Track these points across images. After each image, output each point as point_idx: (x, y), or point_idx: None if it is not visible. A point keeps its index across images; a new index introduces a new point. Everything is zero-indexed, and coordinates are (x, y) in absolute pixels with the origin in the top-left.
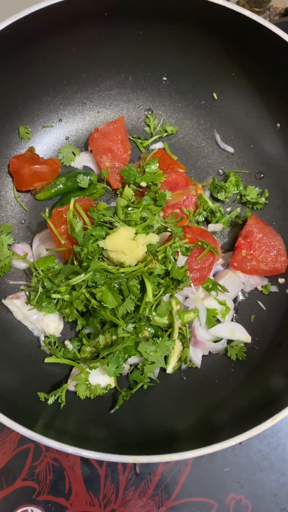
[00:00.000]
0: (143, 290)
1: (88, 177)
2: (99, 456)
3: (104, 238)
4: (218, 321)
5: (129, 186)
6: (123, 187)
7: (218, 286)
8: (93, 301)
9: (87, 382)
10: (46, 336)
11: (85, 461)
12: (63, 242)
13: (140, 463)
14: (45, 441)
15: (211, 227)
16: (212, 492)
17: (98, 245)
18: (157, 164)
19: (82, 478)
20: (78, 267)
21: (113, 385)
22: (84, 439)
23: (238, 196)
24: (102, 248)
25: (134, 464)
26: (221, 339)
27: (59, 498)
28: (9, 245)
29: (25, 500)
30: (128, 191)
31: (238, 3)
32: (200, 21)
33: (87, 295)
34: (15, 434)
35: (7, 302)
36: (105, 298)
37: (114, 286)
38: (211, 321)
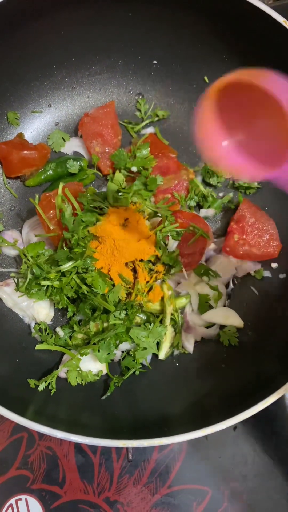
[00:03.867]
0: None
1: (78, 162)
2: (88, 440)
3: (94, 224)
4: (211, 307)
5: (120, 171)
6: (113, 173)
7: (210, 271)
8: (83, 286)
9: (78, 369)
10: (37, 323)
11: (79, 449)
12: (52, 228)
13: (132, 449)
14: (35, 426)
15: (203, 212)
16: (207, 479)
17: (88, 231)
18: (148, 149)
19: (76, 467)
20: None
21: (104, 371)
22: (76, 425)
23: (231, 181)
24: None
25: (126, 451)
26: (214, 324)
27: (53, 487)
28: None
29: (19, 488)
30: (119, 176)
31: None
32: (191, 3)
33: (78, 281)
34: (9, 423)
35: None
36: (96, 283)
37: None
38: (203, 307)
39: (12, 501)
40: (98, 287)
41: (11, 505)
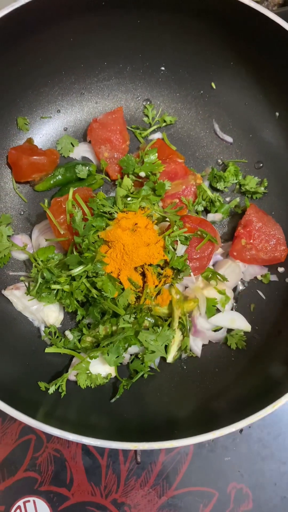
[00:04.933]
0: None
1: (87, 167)
2: (99, 443)
3: (104, 228)
4: (218, 311)
5: (128, 176)
6: (122, 178)
7: (217, 276)
8: (93, 290)
9: (88, 372)
10: (46, 327)
11: (87, 451)
12: (62, 232)
13: (141, 452)
14: (46, 428)
15: (210, 216)
16: (213, 481)
17: (98, 236)
18: (156, 154)
19: (84, 469)
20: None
21: (113, 374)
22: (85, 427)
23: (237, 186)
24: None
25: (135, 453)
26: (221, 328)
27: (61, 489)
28: (8, 236)
29: (27, 490)
30: (127, 181)
31: None
32: (199, 11)
33: (88, 285)
34: (17, 425)
35: (7, 293)
36: (106, 287)
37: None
38: (211, 311)
39: (20, 503)
40: (108, 291)
41: (19, 507)
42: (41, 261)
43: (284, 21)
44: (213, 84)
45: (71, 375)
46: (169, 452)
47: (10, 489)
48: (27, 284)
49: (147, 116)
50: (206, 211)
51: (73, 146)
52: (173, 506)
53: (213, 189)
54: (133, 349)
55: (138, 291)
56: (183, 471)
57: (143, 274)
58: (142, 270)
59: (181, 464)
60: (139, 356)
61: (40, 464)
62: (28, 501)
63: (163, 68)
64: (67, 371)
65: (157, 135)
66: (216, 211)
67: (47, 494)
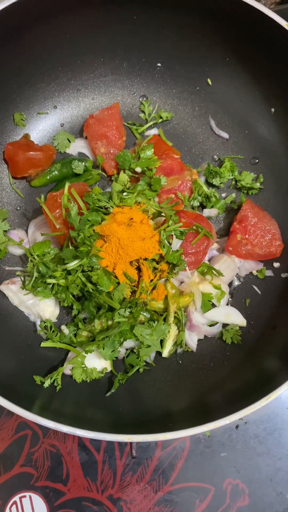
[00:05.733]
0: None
1: (83, 163)
2: (93, 435)
3: (100, 223)
4: (214, 305)
5: (124, 172)
6: (118, 173)
7: (213, 270)
8: (89, 284)
9: (83, 366)
10: (42, 321)
11: (83, 447)
12: (58, 227)
13: (136, 447)
14: (41, 421)
15: (206, 212)
16: (209, 477)
17: (94, 230)
18: (152, 150)
19: (80, 464)
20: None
21: (109, 368)
22: (80, 420)
23: (233, 182)
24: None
25: (130, 447)
26: (217, 323)
27: (57, 484)
28: (5, 231)
29: (23, 486)
30: (124, 176)
31: None
32: (195, 7)
33: (83, 279)
34: (13, 420)
35: (3, 287)
36: (101, 281)
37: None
38: (206, 305)
39: (16, 498)
40: (104, 285)
41: (15, 502)
42: (37, 255)
43: (281, 18)
44: (209, 80)
45: (66, 369)
46: (165, 447)
47: (6, 484)
48: (23, 278)
49: (143, 112)
50: (202, 206)
51: (69, 141)
52: (169, 501)
53: (209, 184)
54: (129, 343)
55: (134, 286)
56: (179, 467)
57: (139, 269)
58: (137, 265)
59: (177, 459)
60: (135, 351)
61: (36, 460)
62: (24, 496)
63: (159, 65)
64: (62, 365)
65: (153, 131)
66: (212, 207)
67: (43, 490)
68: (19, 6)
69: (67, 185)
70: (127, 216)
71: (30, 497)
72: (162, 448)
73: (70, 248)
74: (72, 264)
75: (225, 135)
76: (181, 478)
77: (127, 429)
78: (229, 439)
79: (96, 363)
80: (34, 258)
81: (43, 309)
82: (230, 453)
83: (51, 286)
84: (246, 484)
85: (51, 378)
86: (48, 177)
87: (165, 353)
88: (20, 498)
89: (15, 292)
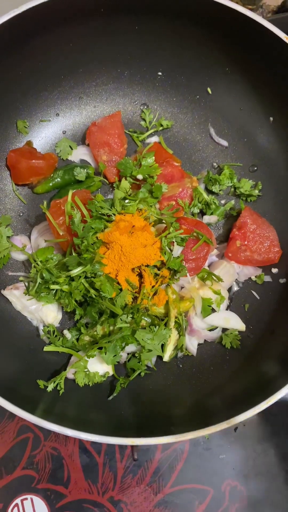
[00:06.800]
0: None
1: (85, 170)
2: (97, 438)
3: (102, 230)
4: (213, 310)
5: (125, 179)
6: (119, 180)
7: (213, 276)
8: (92, 290)
9: (86, 370)
10: (45, 326)
11: (84, 449)
12: (61, 234)
13: (138, 450)
14: (45, 424)
15: (206, 218)
16: (208, 478)
17: (97, 237)
18: (153, 157)
19: (81, 466)
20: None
21: (111, 372)
22: (83, 424)
23: (232, 189)
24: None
25: (132, 450)
26: (216, 327)
27: (58, 486)
28: (8, 237)
29: (25, 488)
30: (125, 183)
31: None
32: (195, 17)
33: (86, 285)
34: (15, 423)
35: (6, 292)
36: (104, 287)
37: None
38: (206, 310)
39: (17, 500)
40: (107, 292)
41: (16, 505)
42: (40, 261)
43: (277, 28)
44: (209, 89)
45: (69, 373)
46: (165, 449)
47: (7, 487)
48: (26, 284)
49: (144, 120)
50: (202, 213)
51: (71, 149)
52: (169, 503)
53: (209, 191)
54: (130, 348)
55: (135, 292)
56: (179, 469)
57: (140, 275)
58: (139, 271)
59: (176, 461)
60: (136, 355)
61: (37, 462)
62: (26, 499)
63: (160, 73)
64: (65, 370)
65: (154, 139)
66: (211, 213)
67: (44, 492)
68: (24, 17)
69: (70, 192)
70: (129, 224)
71: (31, 499)
72: (162, 450)
73: (74, 255)
74: (76, 271)
75: (224, 143)
76: (180, 480)
77: (130, 432)
78: (228, 441)
79: (98, 367)
80: (37, 264)
81: (46, 314)
82: (229, 455)
83: (54, 291)
84: (245, 485)
85: (54, 382)
86: (51, 184)
87: (166, 357)
88: (22, 501)
89: (18, 297)
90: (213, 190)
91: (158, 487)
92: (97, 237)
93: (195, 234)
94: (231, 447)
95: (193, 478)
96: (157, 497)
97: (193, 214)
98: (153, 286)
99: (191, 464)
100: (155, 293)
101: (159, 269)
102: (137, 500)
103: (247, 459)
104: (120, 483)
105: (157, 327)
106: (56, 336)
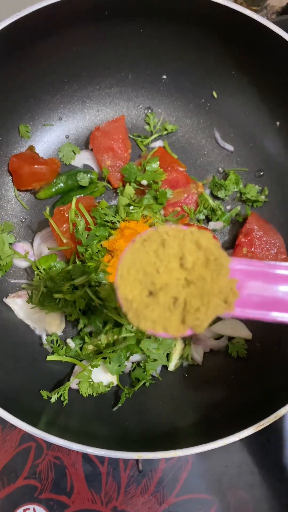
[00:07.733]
0: None
1: (89, 175)
2: (104, 453)
3: (107, 238)
4: (219, 319)
5: (130, 185)
6: (123, 186)
7: None
8: (96, 300)
9: (90, 380)
10: (48, 335)
11: (87, 459)
12: (65, 241)
13: (143, 460)
14: (50, 438)
15: (212, 225)
16: (213, 488)
17: (102, 245)
18: (158, 162)
19: (84, 476)
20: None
21: (115, 382)
22: (87, 436)
23: (238, 194)
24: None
25: (137, 461)
26: (222, 336)
27: (61, 496)
28: (10, 243)
29: (27, 498)
30: (129, 189)
31: (235, 1)
32: (200, 20)
33: (90, 294)
34: (17, 432)
35: (8, 300)
36: (109, 297)
37: None
38: None
39: (20, 510)
40: (112, 301)
41: None
42: (43, 269)
43: (282, 30)
44: (214, 93)
45: (73, 383)
46: (169, 459)
47: (10, 497)
48: (29, 292)
49: (148, 124)
50: (208, 219)
51: (74, 153)
52: None
53: (214, 197)
54: (135, 357)
55: None
56: (183, 478)
57: None
58: None
59: (181, 471)
60: (141, 365)
61: (40, 472)
62: (28, 509)
63: (164, 77)
64: (68, 379)
65: (159, 143)
66: (217, 220)
67: (47, 502)
68: (26, 20)
69: (74, 199)
70: (135, 231)
71: (34, 509)
72: (166, 460)
73: (78, 263)
74: (80, 279)
75: (230, 147)
76: (185, 490)
77: (135, 444)
78: (233, 450)
79: (103, 377)
80: (40, 271)
81: (49, 322)
82: (234, 465)
83: (57, 300)
84: (250, 495)
85: (58, 392)
86: (53, 190)
87: (171, 367)
88: (24, 511)
89: (21, 306)
90: (219, 196)
91: (163, 497)
92: (101, 245)
93: None
94: (236, 456)
95: (198, 488)
96: (162, 507)
97: (198, 221)
98: None
99: (195, 474)
100: None
101: None
102: (141, 510)
103: (253, 468)
104: (124, 492)
105: None
106: (59, 345)
